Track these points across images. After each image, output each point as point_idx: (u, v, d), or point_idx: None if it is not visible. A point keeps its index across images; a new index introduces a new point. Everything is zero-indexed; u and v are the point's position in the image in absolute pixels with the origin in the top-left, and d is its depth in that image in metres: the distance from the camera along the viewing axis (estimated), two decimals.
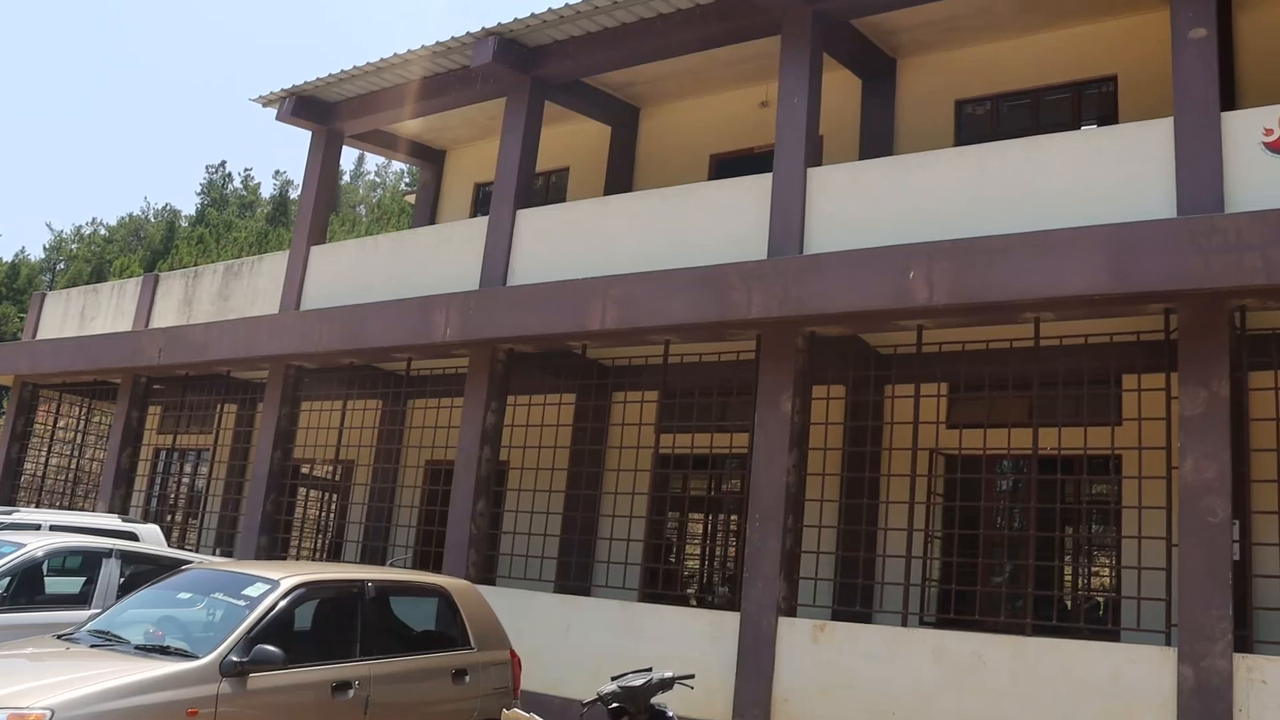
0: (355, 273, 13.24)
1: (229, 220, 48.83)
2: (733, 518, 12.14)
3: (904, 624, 8.96)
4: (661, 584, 11.04)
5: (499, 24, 11.64)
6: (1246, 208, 7.92)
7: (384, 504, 13.79)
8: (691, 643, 9.44)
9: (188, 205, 64.86)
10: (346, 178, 55.82)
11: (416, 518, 13.79)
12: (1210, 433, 7.81)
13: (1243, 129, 8.21)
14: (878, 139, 11.89)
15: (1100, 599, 10.66)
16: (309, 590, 6.88)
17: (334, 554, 14.88)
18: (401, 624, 7.69)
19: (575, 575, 11.69)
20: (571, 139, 14.30)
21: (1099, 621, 10.23)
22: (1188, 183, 8.20)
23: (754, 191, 10.05)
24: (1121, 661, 7.78)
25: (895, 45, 12.03)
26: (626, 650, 9.59)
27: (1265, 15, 10.43)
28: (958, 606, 9.98)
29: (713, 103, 13.28)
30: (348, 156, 59.48)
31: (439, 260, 12.34)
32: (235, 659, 6.03)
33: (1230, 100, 9.91)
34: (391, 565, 8.63)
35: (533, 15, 11.37)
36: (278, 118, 14.20)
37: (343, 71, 13.30)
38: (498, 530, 11.69)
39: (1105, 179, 8.60)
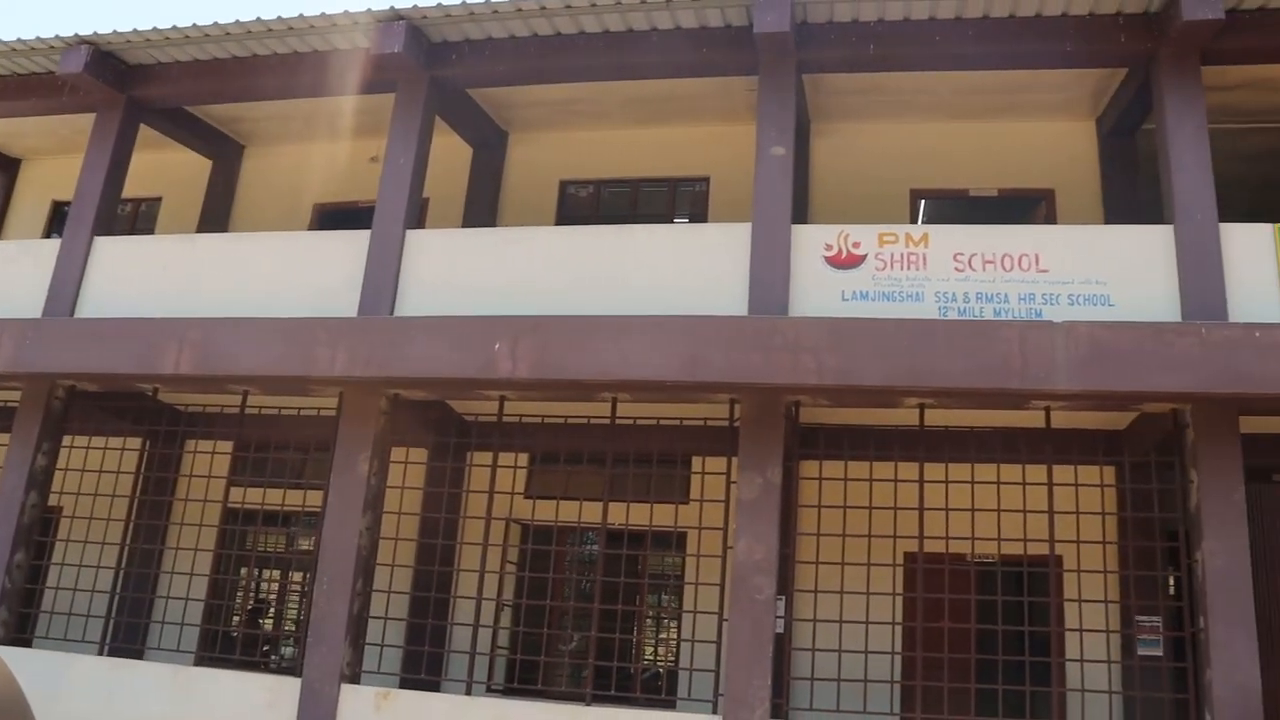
0: None
1: None
2: (305, 577, 11.70)
3: (469, 692, 8.94)
4: (222, 647, 10.41)
5: (95, 33, 10.76)
6: (807, 313, 8.70)
7: None
8: (249, 710, 8.91)
9: None
10: None
11: None
12: (762, 516, 8.43)
13: (809, 242, 9.03)
14: (483, 208, 12.07)
15: (661, 669, 11.17)
16: None
17: None
18: None
19: (126, 636, 10.79)
20: (167, 168, 13.43)
21: (657, 691, 10.68)
22: (759, 285, 8.87)
23: (351, 247, 9.84)
24: None
25: (508, 120, 12.32)
26: (178, 717, 8.96)
27: (834, 144, 11.67)
28: (527, 676, 10.11)
29: (322, 151, 12.93)
30: None
31: None
32: None
33: (803, 215, 10.92)
34: None
35: (135, 32, 10.62)
36: None
37: None
38: (38, 585, 10.59)
39: (688, 273, 9.15)
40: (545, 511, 10.11)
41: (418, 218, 10.31)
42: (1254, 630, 7.71)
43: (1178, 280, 8.48)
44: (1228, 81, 10.08)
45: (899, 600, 9.31)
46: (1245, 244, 8.53)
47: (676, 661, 10.61)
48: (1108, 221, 10.71)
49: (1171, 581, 9.57)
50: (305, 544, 11.39)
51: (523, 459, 10.36)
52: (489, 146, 12.36)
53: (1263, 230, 8.58)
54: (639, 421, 9.43)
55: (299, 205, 12.88)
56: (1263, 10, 8.88)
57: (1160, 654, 9.20)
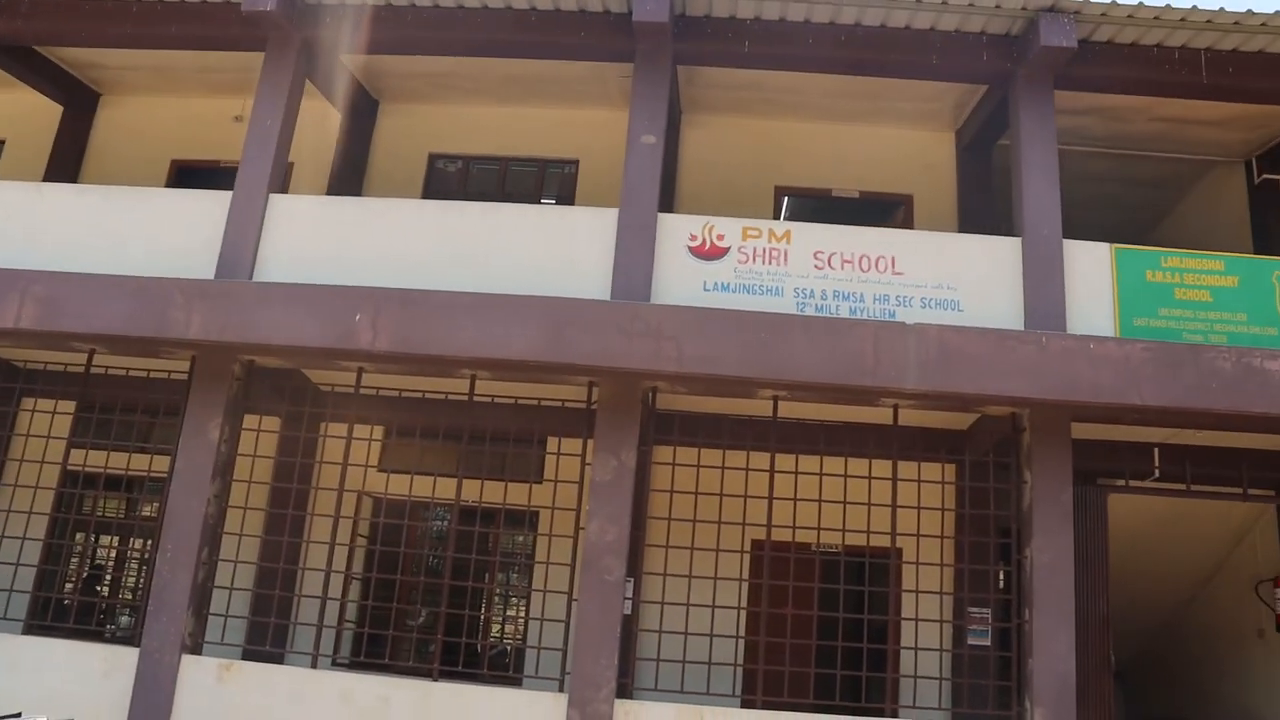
0: None
1: None
2: (146, 545, 11.34)
3: (314, 665, 8.82)
4: (54, 615, 10.02)
5: None
6: (669, 302, 8.85)
7: None
8: (83, 681, 8.57)
9: None
10: None
11: None
12: (615, 499, 8.54)
13: (674, 231, 9.17)
14: (350, 177, 11.88)
15: (508, 646, 11.21)
16: None
17: None
18: None
19: None
20: (14, 110, 12.78)
21: (505, 668, 10.73)
22: (624, 270, 8.97)
23: (212, 208, 9.51)
24: (520, 706, 8.26)
25: (380, 89, 12.14)
26: (3, 690, 8.58)
27: (704, 136, 11.88)
28: (374, 650, 10.03)
29: (184, 106, 12.52)
30: None
31: None
32: None
33: (669, 204, 11.07)
34: None
35: None
36: None
37: None
38: None
39: (554, 255, 9.17)
40: (398, 486, 10.02)
41: (282, 182, 10.08)
42: (1073, 623, 8.20)
43: (1023, 290, 8.92)
44: (1078, 107, 10.63)
45: (745, 586, 9.56)
46: (1086, 260, 9.03)
47: (524, 640, 10.68)
48: (962, 230, 11.17)
49: (1001, 576, 10.05)
50: (148, 510, 11.03)
51: (378, 432, 10.28)
52: (359, 114, 12.15)
53: (1101, 249, 9.09)
54: (497, 400, 9.45)
55: (157, 160, 12.42)
56: (1111, 43, 9.47)
57: (988, 643, 9.69)
